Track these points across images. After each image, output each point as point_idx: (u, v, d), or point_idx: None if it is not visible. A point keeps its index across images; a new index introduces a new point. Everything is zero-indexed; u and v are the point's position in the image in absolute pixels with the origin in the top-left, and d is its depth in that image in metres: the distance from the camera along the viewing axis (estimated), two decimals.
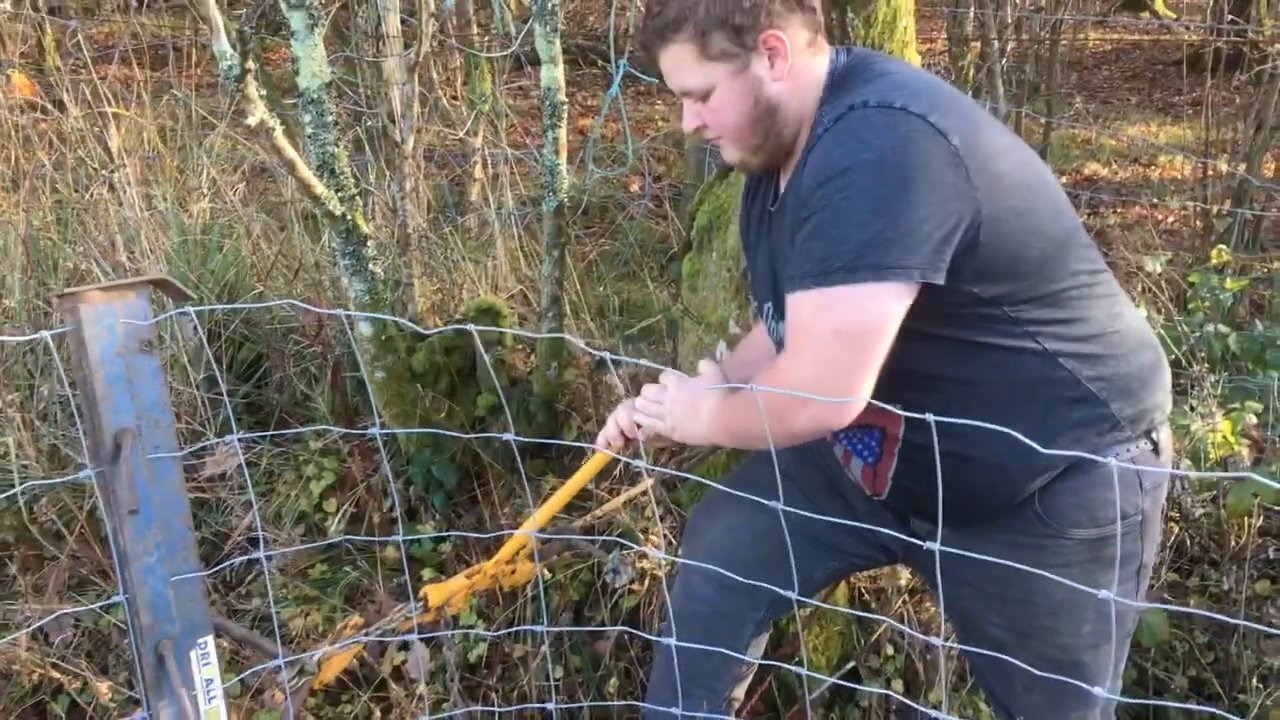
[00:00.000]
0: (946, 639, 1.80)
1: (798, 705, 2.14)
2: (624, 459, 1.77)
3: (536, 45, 2.49)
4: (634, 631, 2.17)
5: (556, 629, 2.22)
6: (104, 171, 3.60)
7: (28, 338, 1.48)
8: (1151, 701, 2.15)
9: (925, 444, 1.23)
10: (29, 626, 2.24)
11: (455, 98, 5.11)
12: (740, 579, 1.66)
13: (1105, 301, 1.47)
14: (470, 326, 1.38)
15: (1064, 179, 5.87)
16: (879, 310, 1.31)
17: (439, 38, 4.34)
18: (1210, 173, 4.46)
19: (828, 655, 2.23)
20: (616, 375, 2.65)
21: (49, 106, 4.20)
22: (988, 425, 1.14)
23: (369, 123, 3.78)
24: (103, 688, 2.15)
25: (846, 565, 1.81)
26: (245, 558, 2.52)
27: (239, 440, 2.74)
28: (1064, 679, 1.36)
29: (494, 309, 2.81)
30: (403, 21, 3.82)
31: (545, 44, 2.47)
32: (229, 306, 1.93)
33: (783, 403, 1.35)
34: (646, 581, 2.26)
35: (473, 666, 2.26)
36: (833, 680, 2.07)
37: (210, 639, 1.36)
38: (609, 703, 2.17)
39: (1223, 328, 2.80)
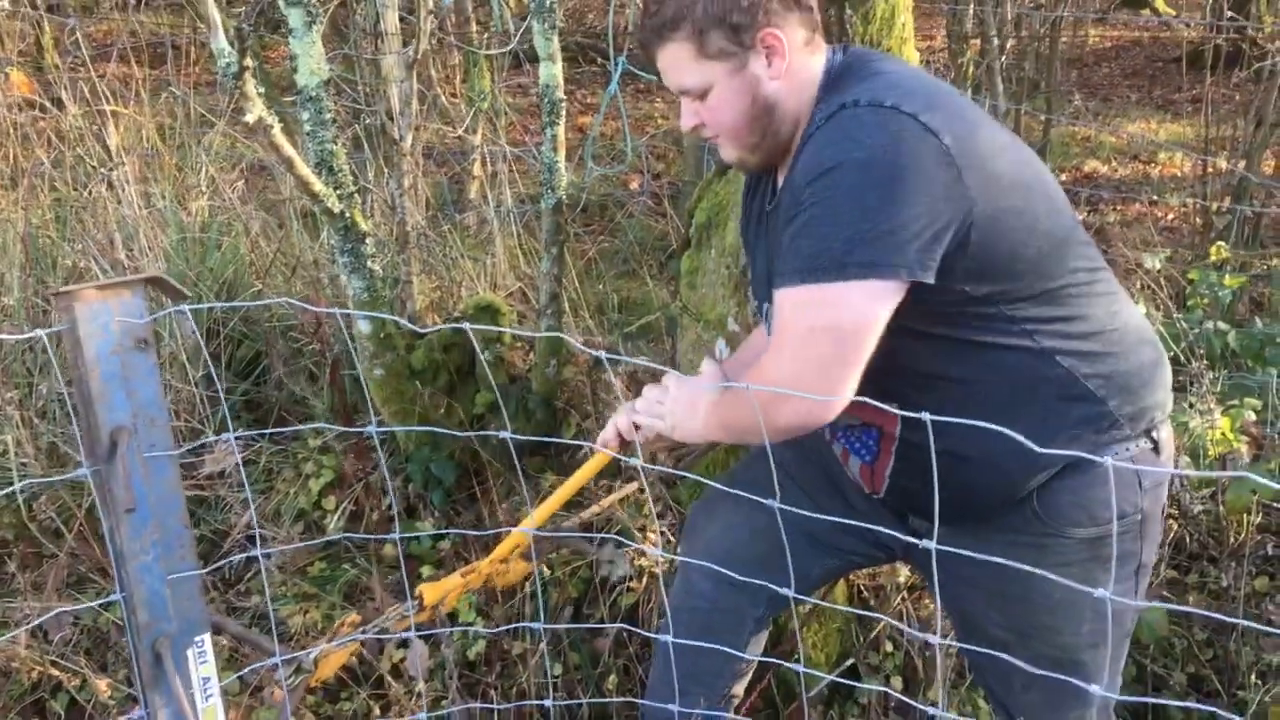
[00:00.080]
0: (945, 637, 1.80)
1: (796, 702, 2.14)
2: (623, 459, 1.77)
3: (535, 42, 2.49)
4: (633, 629, 2.17)
5: (555, 626, 2.22)
6: (102, 169, 3.59)
7: (25, 336, 1.47)
8: (1150, 699, 2.15)
9: (922, 443, 1.23)
10: (28, 624, 2.24)
11: (454, 95, 5.09)
12: (739, 576, 1.66)
13: (1104, 299, 1.46)
14: (468, 325, 1.38)
15: (1063, 176, 5.87)
16: (863, 308, 1.31)
17: (438, 35, 4.33)
18: (1210, 170, 4.46)
19: (827, 652, 2.23)
20: (614, 374, 2.65)
21: (47, 104, 4.19)
22: (985, 424, 1.14)
23: (367, 120, 3.77)
24: (102, 685, 2.15)
25: (845, 563, 1.82)
26: (244, 555, 2.52)
27: (237, 438, 2.74)
28: (1063, 678, 1.36)
29: (493, 306, 2.81)
30: (401, 19, 3.81)
31: (544, 41, 2.47)
32: (227, 305, 1.93)
33: (766, 398, 1.36)
34: (645, 579, 2.26)
35: (471, 664, 2.26)
36: (832, 678, 2.07)
37: (207, 637, 1.36)
38: (608, 700, 2.17)
39: (1222, 325, 2.80)
